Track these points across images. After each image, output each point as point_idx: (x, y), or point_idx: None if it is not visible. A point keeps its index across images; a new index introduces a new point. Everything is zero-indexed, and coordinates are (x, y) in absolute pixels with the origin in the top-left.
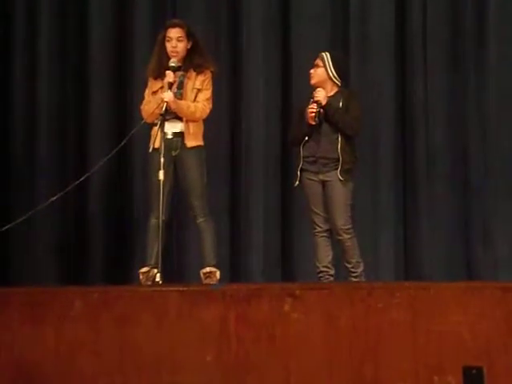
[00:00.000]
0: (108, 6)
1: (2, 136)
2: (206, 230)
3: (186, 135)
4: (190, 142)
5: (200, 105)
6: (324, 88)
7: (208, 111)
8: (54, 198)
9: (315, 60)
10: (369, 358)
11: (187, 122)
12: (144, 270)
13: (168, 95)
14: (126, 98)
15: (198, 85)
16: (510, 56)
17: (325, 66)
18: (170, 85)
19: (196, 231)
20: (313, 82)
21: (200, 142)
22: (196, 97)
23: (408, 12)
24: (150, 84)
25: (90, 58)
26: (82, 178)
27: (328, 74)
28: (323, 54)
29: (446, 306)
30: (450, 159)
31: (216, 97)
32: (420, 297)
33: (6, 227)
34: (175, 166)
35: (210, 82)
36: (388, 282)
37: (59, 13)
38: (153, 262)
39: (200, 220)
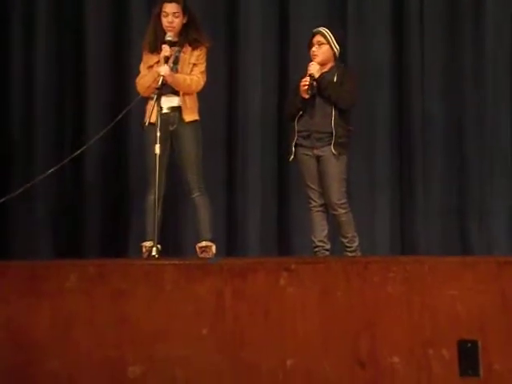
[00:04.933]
0: None
1: (0, 110)
2: (202, 204)
3: (183, 109)
4: (188, 117)
5: (195, 78)
6: (327, 64)
7: (203, 84)
8: (50, 170)
9: (313, 37)
10: (364, 331)
11: (184, 96)
12: (147, 243)
13: (164, 69)
14: (124, 71)
15: (193, 60)
16: (507, 28)
17: (329, 43)
18: (167, 59)
19: (192, 206)
20: (318, 60)
21: (196, 117)
22: (191, 71)
23: None
24: (145, 58)
25: (87, 32)
26: (78, 152)
27: (333, 50)
28: (323, 31)
29: (441, 280)
30: (445, 133)
31: (213, 71)
32: (415, 271)
33: (2, 200)
34: (171, 141)
35: (205, 57)
36: (383, 257)
37: None
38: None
39: (195, 195)
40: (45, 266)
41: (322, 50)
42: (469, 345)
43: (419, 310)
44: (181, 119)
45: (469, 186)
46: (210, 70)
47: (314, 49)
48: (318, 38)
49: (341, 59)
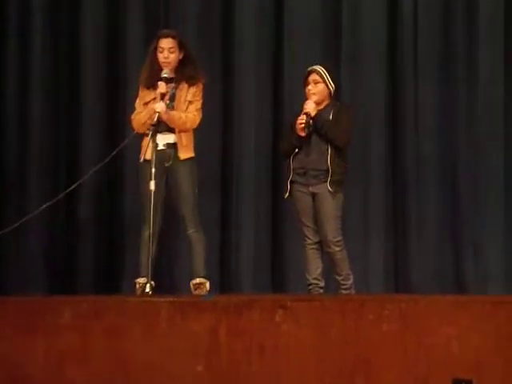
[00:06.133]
0: (101, 16)
1: None
2: (196, 241)
3: (179, 147)
4: (183, 154)
5: (190, 115)
6: (323, 102)
7: (198, 121)
8: (44, 206)
9: (308, 75)
10: (359, 369)
11: (179, 133)
12: (141, 280)
13: (160, 106)
14: (119, 107)
15: (189, 97)
16: (500, 67)
17: (325, 82)
18: (163, 95)
19: (186, 242)
20: (314, 98)
21: (192, 154)
22: (187, 108)
23: (399, 25)
24: (141, 94)
25: (82, 69)
26: (71, 187)
27: (329, 88)
28: (318, 69)
29: (437, 318)
30: (439, 172)
31: (208, 108)
32: (410, 309)
33: None
34: (167, 177)
35: (201, 94)
36: (379, 295)
37: (51, 20)
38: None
39: (190, 231)
40: (39, 303)
41: (319, 89)
42: None
43: (414, 348)
44: (176, 156)
45: (462, 222)
46: (204, 107)
47: (309, 87)
48: (314, 76)
49: (336, 97)
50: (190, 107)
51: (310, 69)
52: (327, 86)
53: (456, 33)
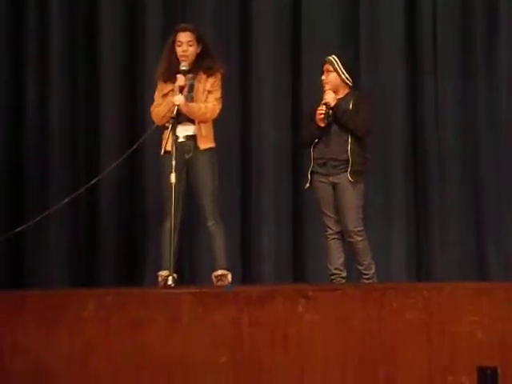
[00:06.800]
0: (119, 9)
1: (15, 139)
2: (217, 232)
3: (198, 138)
4: (203, 145)
5: (210, 105)
6: (338, 91)
7: (218, 111)
8: (66, 200)
9: (323, 66)
10: (383, 359)
11: (199, 124)
12: (164, 273)
13: (179, 98)
14: (137, 100)
15: (208, 87)
16: None
17: (336, 70)
18: (181, 88)
19: (207, 234)
20: (327, 88)
21: (212, 144)
22: (206, 99)
23: (418, 16)
24: (159, 87)
25: (101, 62)
26: (93, 181)
27: (341, 77)
28: (331, 58)
29: (460, 306)
30: (461, 160)
31: (226, 100)
32: (434, 297)
33: (19, 229)
34: (187, 169)
35: (220, 84)
36: (401, 283)
37: (69, 17)
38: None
39: (210, 223)
40: (62, 296)
41: (330, 78)
42: (488, 372)
43: (438, 336)
44: (196, 147)
45: (485, 212)
46: (223, 100)
47: (323, 77)
48: (327, 65)
49: (355, 87)
50: (209, 97)
51: (325, 59)
52: (339, 74)
53: (476, 26)
